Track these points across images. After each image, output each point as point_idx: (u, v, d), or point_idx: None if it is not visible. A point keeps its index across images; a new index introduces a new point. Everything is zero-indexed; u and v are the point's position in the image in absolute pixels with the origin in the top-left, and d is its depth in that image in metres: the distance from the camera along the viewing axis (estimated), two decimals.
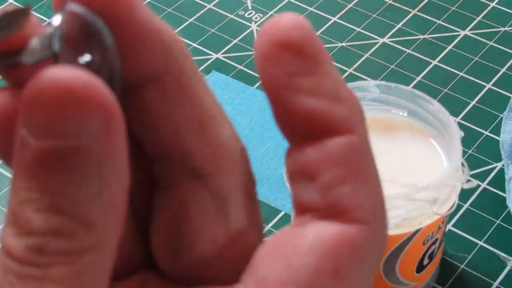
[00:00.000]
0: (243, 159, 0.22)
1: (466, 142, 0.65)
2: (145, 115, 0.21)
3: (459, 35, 0.76)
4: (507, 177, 0.62)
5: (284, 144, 0.23)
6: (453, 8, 0.78)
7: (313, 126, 0.20)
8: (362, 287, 0.20)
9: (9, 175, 0.64)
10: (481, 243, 0.60)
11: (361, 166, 0.20)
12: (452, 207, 0.51)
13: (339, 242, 0.20)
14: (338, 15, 0.78)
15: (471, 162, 0.63)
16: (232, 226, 0.21)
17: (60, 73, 0.17)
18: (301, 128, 0.21)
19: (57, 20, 0.20)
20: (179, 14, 0.78)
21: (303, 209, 0.21)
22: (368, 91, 0.55)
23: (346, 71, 0.72)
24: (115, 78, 0.20)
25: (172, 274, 0.22)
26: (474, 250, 0.59)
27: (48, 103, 0.17)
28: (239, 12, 0.78)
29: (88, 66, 0.19)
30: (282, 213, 0.62)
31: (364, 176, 0.20)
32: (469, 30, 0.76)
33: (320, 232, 0.20)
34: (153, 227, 0.22)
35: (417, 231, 0.51)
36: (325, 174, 0.20)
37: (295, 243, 0.20)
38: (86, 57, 0.19)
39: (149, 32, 0.20)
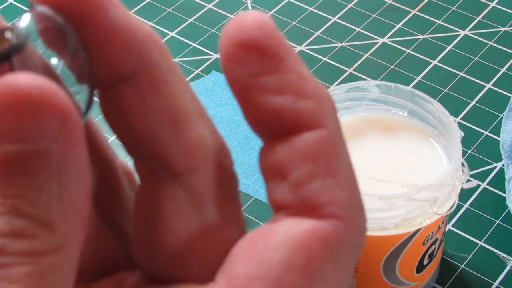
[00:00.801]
0: (222, 155, 0.22)
1: (466, 142, 0.65)
2: (119, 113, 0.21)
3: (459, 35, 0.76)
4: (507, 177, 0.62)
5: None
6: (453, 8, 0.78)
7: (282, 124, 0.20)
8: (338, 283, 0.20)
9: None
10: (481, 243, 0.60)
11: (331, 160, 0.20)
12: (452, 207, 0.51)
13: (310, 237, 0.20)
14: (338, 15, 0.78)
15: (471, 162, 0.63)
16: (206, 224, 0.21)
17: (16, 79, 0.18)
18: (270, 127, 0.21)
19: (24, 20, 0.19)
20: (179, 14, 0.78)
21: (277, 207, 0.21)
22: (368, 91, 0.55)
23: (346, 71, 0.72)
24: (85, 78, 0.20)
25: (150, 272, 0.22)
26: (474, 250, 0.59)
27: (5, 108, 0.18)
28: (239, 12, 0.78)
29: (54, 67, 0.20)
30: None
31: (335, 169, 0.20)
32: (469, 30, 0.76)
33: (291, 228, 0.20)
34: (130, 225, 0.22)
35: (417, 231, 0.51)
36: (295, 171, 0.20)
37: (266, 239, 0.20)
38: (53, 60, 0.20)
39: (121, 30, 0.20)
